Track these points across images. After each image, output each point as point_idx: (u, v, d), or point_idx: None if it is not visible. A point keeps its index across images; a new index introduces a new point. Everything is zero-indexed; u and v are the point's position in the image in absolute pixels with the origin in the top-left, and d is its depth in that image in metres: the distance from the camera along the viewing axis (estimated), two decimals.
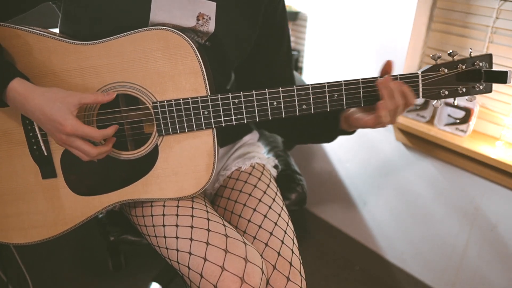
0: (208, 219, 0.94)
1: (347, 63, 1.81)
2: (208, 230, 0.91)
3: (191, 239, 0.91)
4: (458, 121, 1.53)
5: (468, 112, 1.50)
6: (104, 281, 1.80)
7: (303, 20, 2.01)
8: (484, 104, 1.52)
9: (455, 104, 0.95)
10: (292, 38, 2.10)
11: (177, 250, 0.92)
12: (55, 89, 0.86)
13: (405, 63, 1.60)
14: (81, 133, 0.84)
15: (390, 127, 1.71)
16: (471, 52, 0.91)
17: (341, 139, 1.91)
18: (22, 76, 0.86)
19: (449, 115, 1.55)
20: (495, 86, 1.44)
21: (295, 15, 2.01)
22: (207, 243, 0.89)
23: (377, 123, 0.92)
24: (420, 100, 1.62)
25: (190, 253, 0.89)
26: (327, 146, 2.00)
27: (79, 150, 0.87)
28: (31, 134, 0.94)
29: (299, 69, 2.06)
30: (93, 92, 0.92)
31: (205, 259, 0.87)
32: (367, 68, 1.73)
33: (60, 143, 0.87)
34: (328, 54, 1.87)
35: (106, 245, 1.20)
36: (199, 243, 0.90)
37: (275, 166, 1.26)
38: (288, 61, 1.16)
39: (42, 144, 0.95)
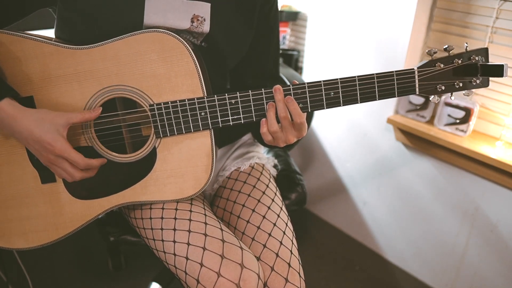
0: (206, 223, 0.94)
1: (347, 63, 1.80)
2: (205, 234, 0.91)
3: (188, 244, 0.91)
4: (458, 121, 1.52)
5: (468, 112, 1.49)
6: (104, 281, 1.80)
7: (303, 20, 2.01)
8: (484, 104, 1.52)
9: (453, 99, 0.95)
10: (292, 38, 2.11)
11: (175, 254, 0.92)
12: (43, 110, 0.87)
13: (405, 63, 1.60)
14: (67, 156, 0.85)
15: (390, 126, 1.71)
16: (467, 47, 0.90)
17: (341, 139, 1.92)
18: (11, 92, 0.87)
19: (449, 115, 1.54)
20: (495, 86, 1.45)
21: (295, 15, 2.01)
22: (204, 248, 0.89)
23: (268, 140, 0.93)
24: (419, 100, 1.62)
25: (187, 258, 0.89)
26: (327, 146, 1.99)
27: (64, 171, 0.88)
28: None
29: (299, 69, 2.05)
30: (81, 110, 0.93)
31: (201, 265, 0.87)
32: (367, 68, 1.73)
33: (47, 163, 0.88)
34: (328, 54, 1.86)
35: (106, 245, 1.20)
36: (196, 248, 0.89)
37: (275, 166, 1.26)
38: (275, 59, 1.16)
39: (40, 160, 0.94)
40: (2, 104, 0.84)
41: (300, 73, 2.03)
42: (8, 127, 0.86)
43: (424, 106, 1.61)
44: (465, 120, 1.50)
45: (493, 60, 0.93)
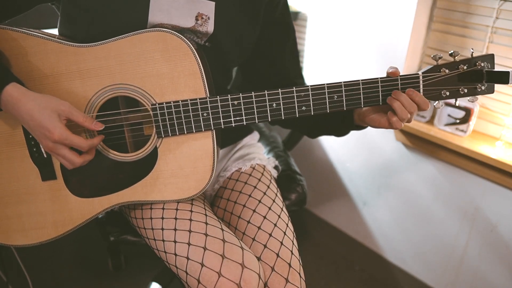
0: (206, 223, 0.94)
1: (347, 63, 1.80)
2: (206, 234, 0.91)
3: (189, 244, 0.91)
4: (458, 121, 1.52)
5: (468, 112, 1.50)
6: (104, 281, 1.80)
7: (303, 20, 2.01)
8: (484, 104, 1.52)
9: (457, 104, 0.95)
10: None
11: (175, 254, 0.92)
12: (48, 96, 0.86)
13: (405, 63, 1.60)
14: (68, 142, 0.85)
15: None
16: (472, 53, 0.90)
17: (341, 139, 1.92)
18: (17, 81, 0.86)
19: (449, 115, 1.54)
20: (496, 86, 1.45)
21: (295, 15, 2.01)
22: (205, 248, 0.89)
23: (391, 128, 0.93)
24: None
25: (187, 258, 0.90)
26: (327, 146, 2.00)
27: (64, 159, 0.88)
28: (30, 136, 0.94)
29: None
30: (83, 108, 0.93)
31: (202, 265, 0.87)
32: (367, 68, 1.73)
33: (47, 150, 0.87)
34: (328, 54, 1.86)
35: (106, 245, 1.20)
36: (196, 248, 0.90)
37: (276, 167, 1.26)
38: (294, 56, 1.16)
39: (41, 146, 0.95)
40: (8, 88, 0.84)
41: None
42: (12, 110, 0.85)
43: None
44: (465, 120, 1.51)
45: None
